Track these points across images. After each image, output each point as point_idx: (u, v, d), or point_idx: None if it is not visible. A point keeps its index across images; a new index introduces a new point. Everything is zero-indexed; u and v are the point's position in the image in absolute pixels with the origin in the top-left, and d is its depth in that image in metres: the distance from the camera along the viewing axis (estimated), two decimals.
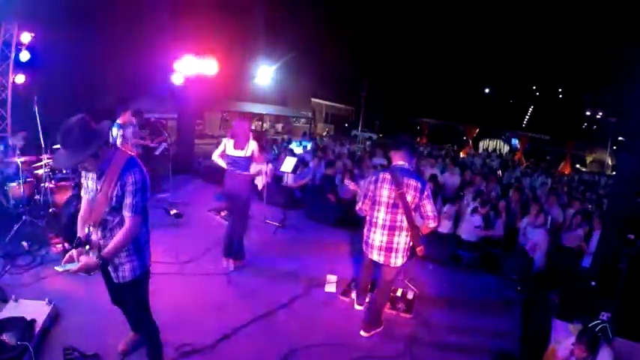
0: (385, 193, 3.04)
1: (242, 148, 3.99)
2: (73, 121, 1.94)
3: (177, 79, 8.11)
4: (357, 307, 3.62)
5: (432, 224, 3.04)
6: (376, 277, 3.48)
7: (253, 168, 4.25)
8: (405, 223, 3.00)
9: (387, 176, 3.05)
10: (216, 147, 4.30)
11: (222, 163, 4.22)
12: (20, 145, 5.29)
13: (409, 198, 2.96)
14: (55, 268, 2.03)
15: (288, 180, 7.19)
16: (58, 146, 2.04)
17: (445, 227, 5.78)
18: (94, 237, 2.16)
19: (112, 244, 2.06)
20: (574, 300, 3.80)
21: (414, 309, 3.73)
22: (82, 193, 2.25)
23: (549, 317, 3.36)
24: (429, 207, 2.99)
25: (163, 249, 4.39)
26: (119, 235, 2.08)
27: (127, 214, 2.08)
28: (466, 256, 5.20)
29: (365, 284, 3.61)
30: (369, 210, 3.18)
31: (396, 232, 3.03)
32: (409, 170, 3.05)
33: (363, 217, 3.32)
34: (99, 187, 2.08)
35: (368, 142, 18.45)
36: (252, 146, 4.03)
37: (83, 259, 2.01)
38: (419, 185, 2.97)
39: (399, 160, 3.09)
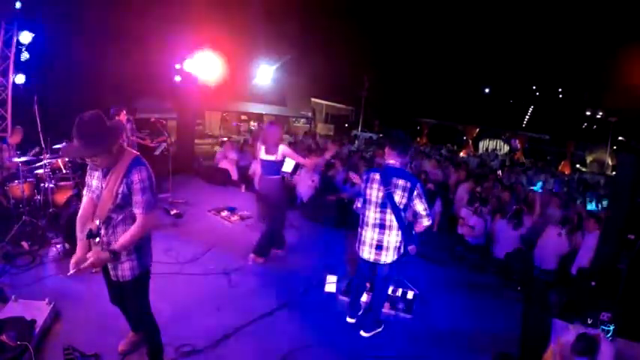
0: (374, 192, 3.06)
1: (273, 153, 4.23)
2: (91, 114, 1.98)
3: (177, 78, 8.12)
4: (348, 319, 3.49)
5: (425, 222, 3.05)
6: (373, 278, 3.47)
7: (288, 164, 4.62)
8: (394, 223, 3.01)
9: (377, 176, 3.07)
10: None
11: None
12: (18, 140, 5.31)
13: (397, 198, 2.97)
14: (69, 275, 2.07)
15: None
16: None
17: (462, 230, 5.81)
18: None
19: (123, 238, 2.09)
20: (574, 300, 3.80)
21: (414, 309, 3.73)
22: (85, 192, 2.26)
23: (549, 317, 3.36)
24: (420, 206, 3.00)
25: (163, 249, 4.39)
26: (131, 230, 2.11)
27: (138, 211, 2.10)
28: (470, 257, 5.21)
29: (356, 297, 3.54)
30: (362, 209, 3.21)
31: (386, 231, 3.04)
32: (400, 169, 3.05)
33: (359, 217, 3.33)
34: (104, 185, 2.10)
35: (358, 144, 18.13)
36: (282, 149, 4.27)
37: (93, 254, 2.04)
38: (408, 185, 2.96)
39: (391, 159, 3.09)
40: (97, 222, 2.15)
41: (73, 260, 2.10)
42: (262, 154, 4.30)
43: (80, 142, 1.97)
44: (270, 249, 4.53)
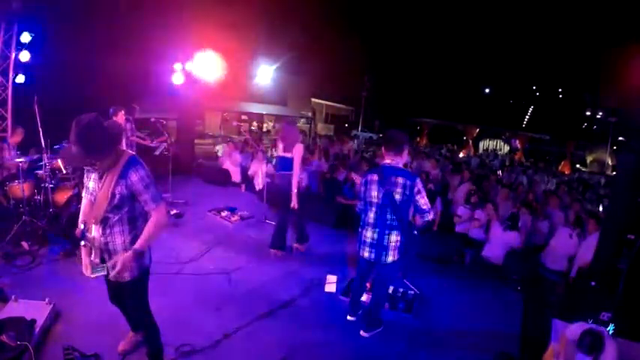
0: (374, 193, 3.07)
1: (290, 151, 4.46)
2: (88, 119, 1.93)
3: (177, 79, 8.11)
4: (349, 317, 3.50)
5: (427, 217, 3.07)
6: (373, 278, 3.48)
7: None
8: (395, 222, 3.02)
9: (375, 177, 3.08)
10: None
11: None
12: (18, 140, 5.32)
13: (397, 196, 2.98)
14: (91, 275, 2.16)
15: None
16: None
17: (460, 227, 5.83)
18: (95, 234, 2.18)
19: (143, 236, 2.13)
20: (574, 300, 3.80)
21: (414, 309, 3.73)
22: (84, 194, 2.27)
23: (549, 317, 3.35)
24: (421, 201, 3.01)
25: (163, 249, 4.38)
26: (149, 226, 2.14)
27: (151, 207, 2.14)
28: (470, 252, 5.22)
29: (356, 297, 3.55)
30: (362, 209, 3.22)
31: (387, 231, 3.05)
32: (398, 168, 3.06)
33: (360, 217, 3.34)
34: (100, 186, 2.10)
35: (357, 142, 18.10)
36: (297, 148, 4.48)
37: (119, 260, 2.08)
38: (407, 182, 2.97)
39: (388, 158, 3.10)
40: (81, 226, 2.18)
41: (84, 266, 2.18)
42: (280, 152, 4.58)
43: (79, 148, 1.92)
44: (306, 234, 4.84)
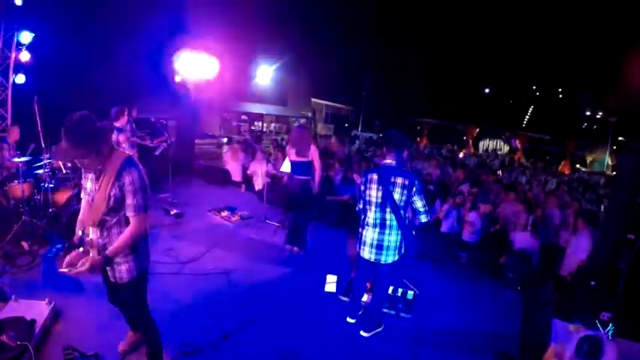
0: (374, 193, 3.08)
1: (305, 155, 4.45)
2: (78, 116, 1.94)
3: (177, 79, 8.12)
4: (349, 319, 3.49)
5: (424, 219, 3.07)
6: (373, 278, 3.48)
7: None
8: (394, 222, 3.02)
9: (375, 176, 3.09)
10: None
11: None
12: (17, 138, 5.31)
13: (397, 196, 2.98)
14: (60, 270, 2.07)
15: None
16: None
17: (445, 226, 5.80)
18: (93, 236, 2.16)
19: (116, 244, 2.08)
20: (574, 300, 3.80)
21: (414, 309, 3.73)
22: (82, 195, 2.26)
23: (549, 317, 3.35)
24: (419, 202, 3.02)
25: (163, 249, 4.40)
26: (124, 235, 2.10)
27: (130, 214, 2.09)
28: (464, 255, 5.22)
29: (356, 297, 3.54)
30: (362, 209, 3.22)
31: (387, 231, 3.05)
32: (397, 168, 3.06)
33: (360, 217, 3.34)
34: (97, 188, 2.09)
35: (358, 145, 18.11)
36: (312, 150, 4.48)
37: (87, 260, 2.01)
38: (407, 182, 2.98)
39: (388, 158, 3.11)
40: (80, 232, 2.16)
41: (67, 259, 2.08)
42: (293, 156, 4.52)
43: (68, 143, 1.92)
44: (306, 239, 4.81)
